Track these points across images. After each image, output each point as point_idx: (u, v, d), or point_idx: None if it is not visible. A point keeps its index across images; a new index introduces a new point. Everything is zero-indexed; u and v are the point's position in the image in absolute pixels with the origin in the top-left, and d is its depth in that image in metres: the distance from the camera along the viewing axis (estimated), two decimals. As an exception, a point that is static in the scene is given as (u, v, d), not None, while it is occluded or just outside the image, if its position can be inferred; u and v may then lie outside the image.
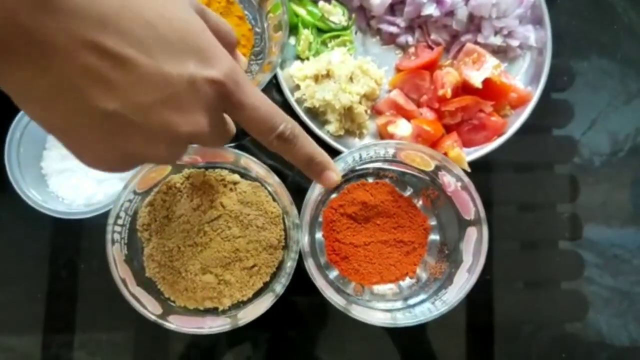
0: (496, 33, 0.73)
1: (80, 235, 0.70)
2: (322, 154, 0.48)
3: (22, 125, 0.64)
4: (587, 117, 0.78)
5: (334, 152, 0.70)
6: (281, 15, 0.64)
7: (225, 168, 0.65)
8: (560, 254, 0.75)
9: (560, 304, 0.75)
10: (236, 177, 0.64)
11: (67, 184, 0.67)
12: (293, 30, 0.72)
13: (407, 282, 0.66)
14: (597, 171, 0.77)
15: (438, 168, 0.62)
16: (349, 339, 0.70)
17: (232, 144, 0.72)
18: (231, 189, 0.64)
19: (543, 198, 0.76)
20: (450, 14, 0.71)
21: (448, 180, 0.62)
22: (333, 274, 0.66)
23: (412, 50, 0.74)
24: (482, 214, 0.59)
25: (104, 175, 0.66)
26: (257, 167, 0.60)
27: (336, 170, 0.50)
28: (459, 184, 0.61)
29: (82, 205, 0.66)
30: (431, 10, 0.70)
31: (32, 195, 0.62)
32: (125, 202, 0.60)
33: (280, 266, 0.64)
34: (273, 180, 0.60)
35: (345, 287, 0.66)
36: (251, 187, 0.64)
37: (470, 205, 0.60)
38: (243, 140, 0.73)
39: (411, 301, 0.62)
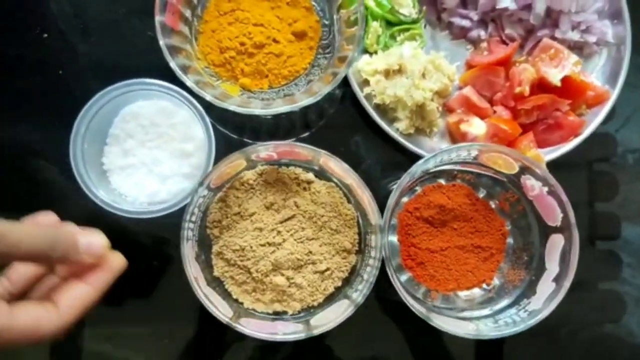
0: (573, 28, 0.69)
1: (138, 233, 0.68)
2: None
3: (87, 119, 0.61)
4: (622, 114, 0.74)
5: (402, 151, 0.68)
6: (357, 8, 0.61)
7: (300, 166, 0.62)
8: (597, 253, 0.72)
9: (598, 305, 0.73)
10: (310, 175, 0.62)
11: (130, 181, 0.65)
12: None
13: (482, 289, 0.64)
14: (630, 169, 0.74)
15: (522, 171, 0.59)
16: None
17: (292, 139, 0.69)
18: (305, 188, 0.62)
19: (578, 197, 0.72)
20: (527, 7, 0.68)
21: (531, 184, 0.60)
22: (403, 277, 0.64)
23: (484, 45, 0.71)
24: (572, 220, 0.56)
25: (168, 171, 0.64)
26: (336, 166, 0.57)
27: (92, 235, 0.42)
28: (545, 188, 0.58)
29: (145, 204, 0.64)
30: (507, 3, 0.67)
31: (100, 195, 0.60)
32: (200, 198, 0.57)
33: (352, 271, 0.62)
34: (352, 179, 0.57)
35: (415, 292, 0.64)
36: (325, 187, 0.62)
37: (557, 211, 0.57)
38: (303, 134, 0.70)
39: (493, 309, 0.60)
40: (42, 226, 0.44)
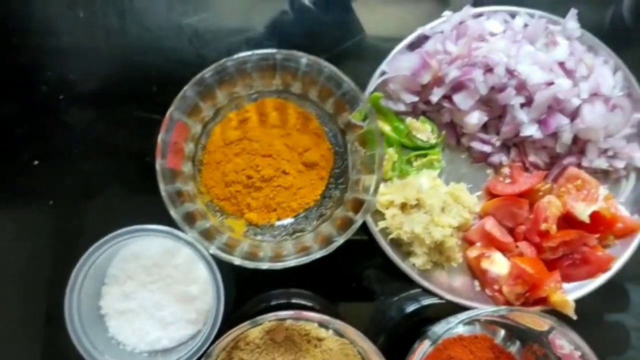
0: (600, 154, 0.65)
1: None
2: None
3: (86, 267, 0.57)
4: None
5: (417, 285, 0.63)
6: (375, 151, 0.57)
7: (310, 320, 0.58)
8: (604, 326, 0.68)
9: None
10: (322, 332, 0.58)
11: (129, 327, 0.60)
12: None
13: None
14: None
15: (551, 329, 0.55)
16: None
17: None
18: (316, 346, 0.57)
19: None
20: (553, 135, 0.64)
21: (561, 343, 0.55)
22: None
23: (506, 170, 0.67)
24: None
25: (170, 317, 0.60)
26: (350, 332, 0.53)
27: None
28: (578, 353, 0.54)
29: (145, 353, 0.60)
30: (532, 131, 0.63)
31: (98, 355, 0.56)
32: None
33: None
34: (369, 347, 0.53)
35: None
36: (338, 344, 0.57)
37: (591, 377, 0.53)
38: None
39: None
40: None
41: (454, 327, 0.52)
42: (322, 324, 0.58)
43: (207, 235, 0.56)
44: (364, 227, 0.64)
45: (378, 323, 0.65)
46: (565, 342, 0.55)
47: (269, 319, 0.52)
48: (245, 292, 0.65)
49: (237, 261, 0.55)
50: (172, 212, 0.55)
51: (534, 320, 0.55)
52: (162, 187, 0.55)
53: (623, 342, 0.68)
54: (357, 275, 0.66)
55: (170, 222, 0.55)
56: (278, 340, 0.56)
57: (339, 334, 0.58)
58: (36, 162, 0.64)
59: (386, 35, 0.68)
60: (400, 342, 0.59)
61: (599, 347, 0.63)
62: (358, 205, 0.58)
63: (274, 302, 0.66)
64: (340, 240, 0.56)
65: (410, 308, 0.67)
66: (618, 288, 0.69)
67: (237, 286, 0.64)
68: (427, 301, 0.67)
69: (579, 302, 0.61)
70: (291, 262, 0.55)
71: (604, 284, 0.64)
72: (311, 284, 0.66)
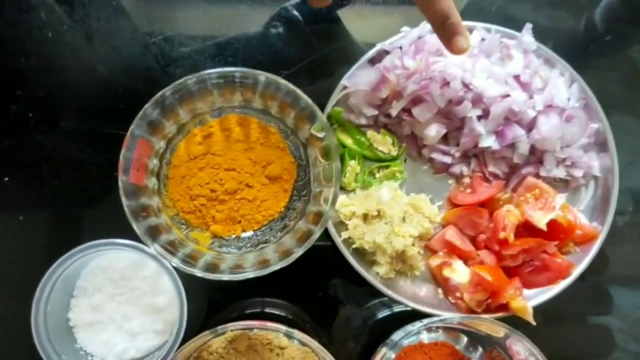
0: (558, 164, 0.67)
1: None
2: (457, 16, 0.50)
3: (53, 279, 0.58)
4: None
5: (381, 296, 0.65)
6: (332, 165, 0.58)
7: (272, 330, 0.59)
8: (590, 327, 0.70)
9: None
10: (284, 341, 0.59)
11: (97, 338, 0.61)
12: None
13: None
14: (619, 231, 0.71)
15: (507, 336, 0.56)
16: None
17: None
18: (278, 354, 0.59)
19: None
20: (510, 145, 0.66)
21: (517, 349, 0.57)
22: None
23: (466, 181, 0.68)
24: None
25: (138, 328, 0.61)
26: (312, 343, 0.54)
27: (467, 37, 0.51)
28: (532, 358, 0.55)
29: (112, 365, 0.61)
30: (490, 142, 0.65)
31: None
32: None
33: None
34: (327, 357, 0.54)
35: None
36: (300, 352, 0.59)
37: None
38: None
39: None
40: None
41: (412, 334, 0.53)
42: (285, 334, 0.59)
43: (171, 247, 0.58)
44: (330, 238, 0.65)
45: (349, 329, 0.66)
46: (521, 348, 0.56)
47: (230, 329, 0.53)
48: (220, 302, 0.67)
49: (198, 273, 0.56)
50: (135, 226, 0.56)
51: (490, 327, 0.56)
52: (125, 203, 0.56)
53: (608, 344, 0.69)
54: (327, 284, 0.67)
55: (137, 238, 0.57)
56: (241, 349, 0.58)
57: (302, 343, 0.59)
58: (6, 179, 0.66)
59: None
60: (370, 348, 0.60)
61: (584, 348, 0.64)
62: (318, 217, 0.59)
63: (247, 311, 0.67)
64: (299, 252, 0.57)
65: (382, 314, 0.68)
66: (603, 290, 0.70)
67: (209, 296, 0.66)
68: (398, 308, 0.68)
69: (563, 303, 0.63)
70: (250, 274, 0.57)
71: (590, 285, 0.67)
72: (285, 293, 0.67)
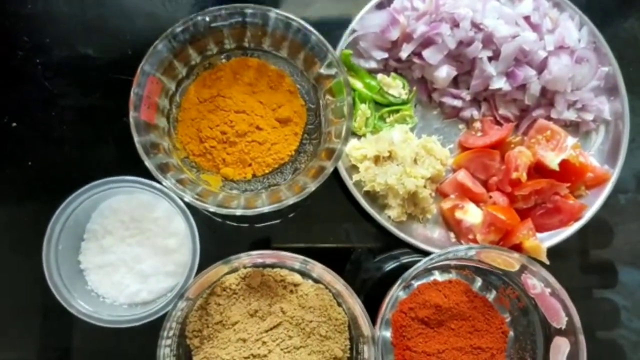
0: (569, 107, 0.67)
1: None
2: None
3: (62, 220, 0.58)
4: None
5: (394, 239, 0.64)
6: (345, 99, 0.58)
7: (286, 267, 0.59)
8: (595, 302, 0.69)
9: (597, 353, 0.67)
10: (297, 277, 0.58)
11: (108, 280, 0.61)
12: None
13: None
14: (622, 210, 0.71)
15: (522, 269, 0.56)
16: None
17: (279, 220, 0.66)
18: (291, 291, 0.58)
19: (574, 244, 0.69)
20: (521, 87, 0.65)
21: (533, 283, 0.56)
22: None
23: (477, 125, 0.68)
24: (578, 324, 0.53)
25: (150, 270, 0.60)
26: (324, 274, 0.54)
27: None
28: (548, 289, 0.55)
29: (125, 305, 0.60)
30: (501, 84, 0.65)
31: (77, 305, 0.56)
32: (179, 311, 0.53)
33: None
34: (342, 287, 0.54)
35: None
36: (314, 289, 0.58)
37: (561, 313, 0.54)
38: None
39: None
40: None
41: (423, 267, 0.53)
42: (298, 270, 0.58)
43: (182, 185, 0.57)
44: (342, 183, 0.64)
45: (360, 273, 0.65)
46: (537, 280, 0.55)
47: (243, 258, 0.52)
48: (227, 252, 0.66)
49: (211, 208, 0.56)
50: (147, 162, 0.55)
51: (505, 260, 0.56)
52: (136, 139, 0.56)
53: (612, 319, 0.69)
54: (336, 232, 0.66)
55: (147, 178, 0.56)
56: (254, 285, 0.57)
57: (314, 280, 0.59)
58: (14, 124, 0.65)
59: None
60: (380, 293, 0.59)
61: (589, 320, 0.64)
62: (330, 154, 0.59)
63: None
64: (312, 187, 0.57)
65: (390, 266, 0.67)
66: (610, 267, 0.70)
67: (218, 246, 0.65)
68: (406, 258, 0.67)
69: (571, 277, 0.62)
70: (264, 209, 0.56)
71: (598, 262, 0.67)
72: (297, 239, 0.66)
